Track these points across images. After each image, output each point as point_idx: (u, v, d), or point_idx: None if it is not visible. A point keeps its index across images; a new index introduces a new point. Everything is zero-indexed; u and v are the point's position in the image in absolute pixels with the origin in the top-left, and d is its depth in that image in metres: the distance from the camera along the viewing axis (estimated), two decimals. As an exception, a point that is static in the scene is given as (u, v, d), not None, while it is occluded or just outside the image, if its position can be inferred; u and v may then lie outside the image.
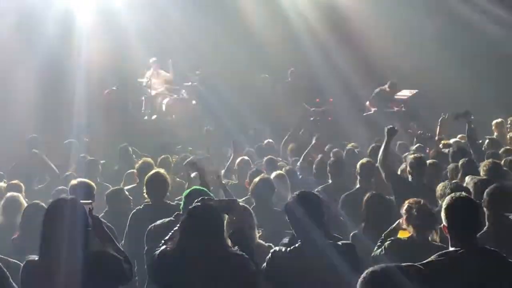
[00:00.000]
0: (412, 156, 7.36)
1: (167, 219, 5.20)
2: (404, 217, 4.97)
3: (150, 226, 5.24)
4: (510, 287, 3.66)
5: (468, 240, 3.75)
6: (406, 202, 5.03)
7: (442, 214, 3.87)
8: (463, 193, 4.08)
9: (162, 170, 6.27)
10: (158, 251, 4.01)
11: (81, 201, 4.00)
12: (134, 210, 6.08)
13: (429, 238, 4.86)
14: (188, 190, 5.10)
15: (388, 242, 4.93)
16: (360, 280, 2.79)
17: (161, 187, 5.99)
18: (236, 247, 4.03)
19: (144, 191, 6.11)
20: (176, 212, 5.18)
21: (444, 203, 3.91)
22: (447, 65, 14.32)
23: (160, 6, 15.82)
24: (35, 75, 13.01)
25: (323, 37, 15.31)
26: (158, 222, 5.24)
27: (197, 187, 5.27)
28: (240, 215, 4.29)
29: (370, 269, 2.82)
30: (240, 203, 5.10)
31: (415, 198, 5.05)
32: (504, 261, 3.71)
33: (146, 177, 6.10)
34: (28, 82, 12.96)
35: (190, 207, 4.12)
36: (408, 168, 7.02)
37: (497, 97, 13.53)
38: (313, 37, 15.41)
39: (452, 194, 3.97)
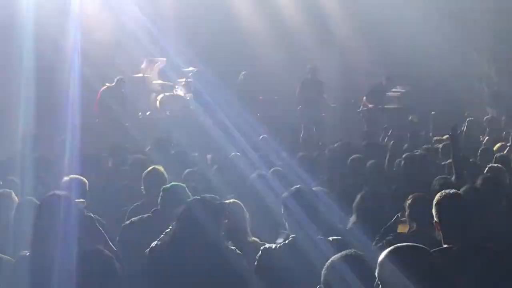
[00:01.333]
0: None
1: (145, 215, 5.21)
2: (407, 211, 4.96)
3: (125, 223, 5.21)
4: (501, 283, 3.67)
5: (458, 237, 3.75)
6: (410, 196, 5.03)
7: (433, 211, 3.88)
8: (452, 190, 4.07)
9: (160, 167, 6.27)
10: (152, 246, 4.01)
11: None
12: (132, 207, 6.07)
13: (432, 234, 4.84)
14: (168, 186, 5.13)
15: (389, 237, 4.92)
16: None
17: (159, 183, 5.97)
18: (230, 242, 4.05)
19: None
20: (154, 209, 5.18)
21: (434, 200, 3.92)
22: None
23: (157, 2, 15.82)
24: (30, 70, 12.95)
25: (322, 31, 15.30)
26: (135, 218, 5.24)
27: (176, 183, 5.29)
28: (229, 217, 4.32)
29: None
30: (232, 199, 5.12)
31: (419, 193, 5.05)
32: (495, 257, 3.72)
33: (144, 174, 6.10)
34: (22, 77, 12.91)
35: (189, 200, 4.13)
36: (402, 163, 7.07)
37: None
38: (311, 32, 15.41)
39: (442, 191, 3.96)
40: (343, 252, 2.97)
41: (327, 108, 14.47)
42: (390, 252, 2.74)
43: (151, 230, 4.81)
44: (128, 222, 5.23)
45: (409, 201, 4.96)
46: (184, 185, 5.23)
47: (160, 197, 5.10)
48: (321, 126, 13.47)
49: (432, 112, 10.75)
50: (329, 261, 2.91)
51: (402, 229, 5.04)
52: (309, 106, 13.86)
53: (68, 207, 3.80)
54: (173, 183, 5.29)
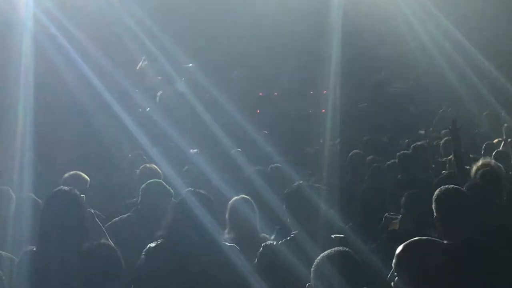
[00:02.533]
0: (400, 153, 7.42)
1: (125, 215, 5.17)
2: (402, 209, 4.95)
3: (107, 224, 5.10)
4: (495, 280, 3.63)
5: (456, 233, 3.72)
6: (405, 194, 5.01)
7: (433, 207, 3.87)
8: (451, 186, 4.02)
9: (153, 165, 6.27)
10: (147, 248, 3.97)
11: None
12: (127, 204, 6.04)
13: (427, 231, 4.82)
14: (146, 183, 5.09)
15: (384, 236, 4.92)
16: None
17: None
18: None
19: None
20: (134, 208, 5.13)
21: (434, 196, 3.90)
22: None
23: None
24: (29, 68, 12.94)
25: (320, 28, 15.26)
26: (116, 218, 5.18)
27: (156, 180, 5.23)
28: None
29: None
30: (241, 196, 5.07)
31: (414, 191, 5.03)
32: (492, 254, 3.68)
33: (138, 171, 6.10)
34: (21, 75, 12.89)
35: (183, 192, 4.10)
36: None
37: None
38: (311, 28, 15.39)
39: (442, 187, 3.94)
40: (331, 250, 2.98)
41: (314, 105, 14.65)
42: (408, 244, 2.77)
43: (133, 229, 4.80)
44: (110, 222, 5.15)
45: (403, 199, 4.95)
46: (163, 182, 5.17)
47: (139, 196, 5.05)
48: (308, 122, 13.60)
49: (441, 110, 10.64)
50: (317, 259, 2.92)
51: (394, 226, 5.04)
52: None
53: (75, 202, 3.78)
54: (151, 180, 5.22)
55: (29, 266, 3.74)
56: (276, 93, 15.21)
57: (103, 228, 4.13)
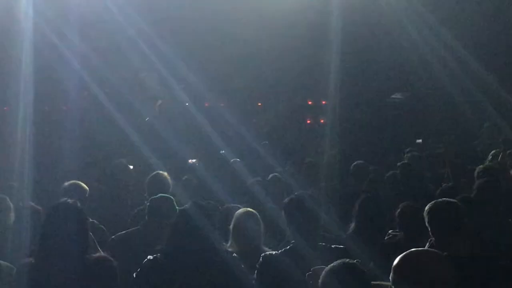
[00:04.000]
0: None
1: (134, 229, 5.13)
2: (397, 221, 4.96)
3: (112, 237, 5.10)
4: None
5: (445, 246, 3.72)
6: (400, 206, 5.02)
7: (425, 220, 3.90)
8: (443, 199, 4.05)
9: (164, 172, 6.25)
10: (146, 260, 3.95)
11: None
12: (135, 212, 6.04)
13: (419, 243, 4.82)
14: (154, 197, 5.07)
15: (380, 246, 4.93)
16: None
17: (163, 188, 5.88)
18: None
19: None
20: (142, 222, 5.10)
21: (426, 209, 3.93)
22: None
23: (155, 10, 15.85)
24: (29, 75, 12.96)
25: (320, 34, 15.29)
26: (122, 232, 5.14)
27: (164, 195, 5.19)
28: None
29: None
30: (247, 209, 5.03)
31: (408, 203, 5.05)
32: (478, 268, 3.68)
33: (148, 179, 6.09)
34: (21, 82, 12.91)
35: (183, 206, 4.10)
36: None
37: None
38: (307, 35, 15.43)
39: (434, 201, 3.98)
40: (337, 262, 2.97)
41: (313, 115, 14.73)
42: (404, 256, 2.77)
43: (139, 244, 4.77)
44: (114, 236, 5.12)
45: (398, 211, 4.96)
46: (171, 197, 5.12)
47: (147, 210, 5.03)
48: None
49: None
50: (323, 272, 2.92)
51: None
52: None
53: (77, 214, 3.76)
54: (160, 195, 5.18)
55: (28, 278, 3.70)
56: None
57: (94, 240, 4.10)
